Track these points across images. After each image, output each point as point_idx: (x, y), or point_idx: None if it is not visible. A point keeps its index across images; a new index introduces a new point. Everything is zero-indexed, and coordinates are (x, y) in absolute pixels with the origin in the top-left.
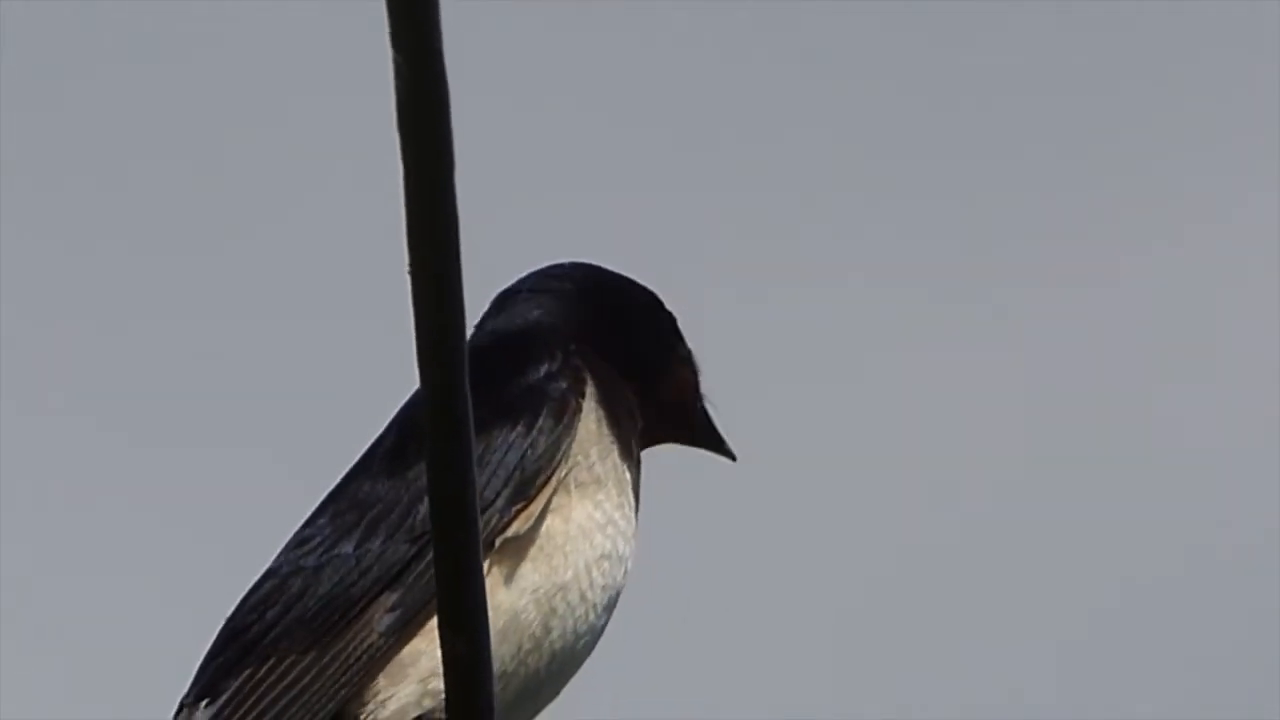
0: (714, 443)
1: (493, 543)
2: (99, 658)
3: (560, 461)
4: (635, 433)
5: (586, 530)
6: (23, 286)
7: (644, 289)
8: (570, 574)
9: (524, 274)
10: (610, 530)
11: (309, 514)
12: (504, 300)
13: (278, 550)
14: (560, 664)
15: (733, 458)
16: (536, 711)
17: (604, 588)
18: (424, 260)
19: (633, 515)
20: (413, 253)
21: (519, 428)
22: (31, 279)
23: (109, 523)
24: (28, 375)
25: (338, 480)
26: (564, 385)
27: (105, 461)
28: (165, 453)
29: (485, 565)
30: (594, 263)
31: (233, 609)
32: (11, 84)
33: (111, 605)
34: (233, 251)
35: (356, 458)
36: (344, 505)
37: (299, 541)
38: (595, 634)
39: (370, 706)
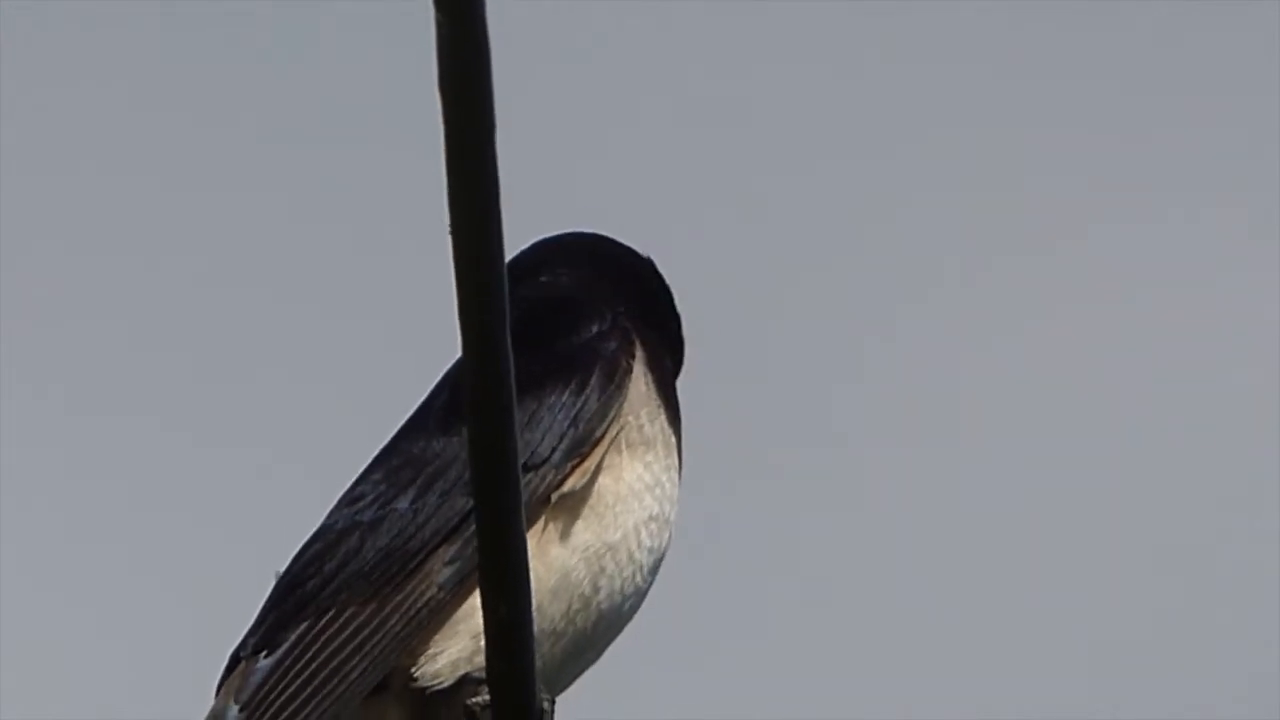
0: None
1: (548, 498)
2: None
3: (613, 420)
4: (676, 395)
5: (637, 491)
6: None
7: (646, 259)
8: (619, 534)
9: (524, 247)
10: (658, 492)
11: (360, 472)
12: (519, 273)
13: (329, 508)
14: (606, 624)
15: None
16: (580, 671)
17: (650, 550)
18: (465, 219)
19: (677, 478)
20: (454, 212)
21: (572, 386)
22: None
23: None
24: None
25: (389, 438)
26: (614, 345)
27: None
28: (214, 416)
29: (541, 520)
30: (594, 232)
31: (288, 563)
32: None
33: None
34: (274, 214)
35: (407, 415)
36: (398, 462)
37: (353, 498)
38: (640, 595)
39: (422, 661)
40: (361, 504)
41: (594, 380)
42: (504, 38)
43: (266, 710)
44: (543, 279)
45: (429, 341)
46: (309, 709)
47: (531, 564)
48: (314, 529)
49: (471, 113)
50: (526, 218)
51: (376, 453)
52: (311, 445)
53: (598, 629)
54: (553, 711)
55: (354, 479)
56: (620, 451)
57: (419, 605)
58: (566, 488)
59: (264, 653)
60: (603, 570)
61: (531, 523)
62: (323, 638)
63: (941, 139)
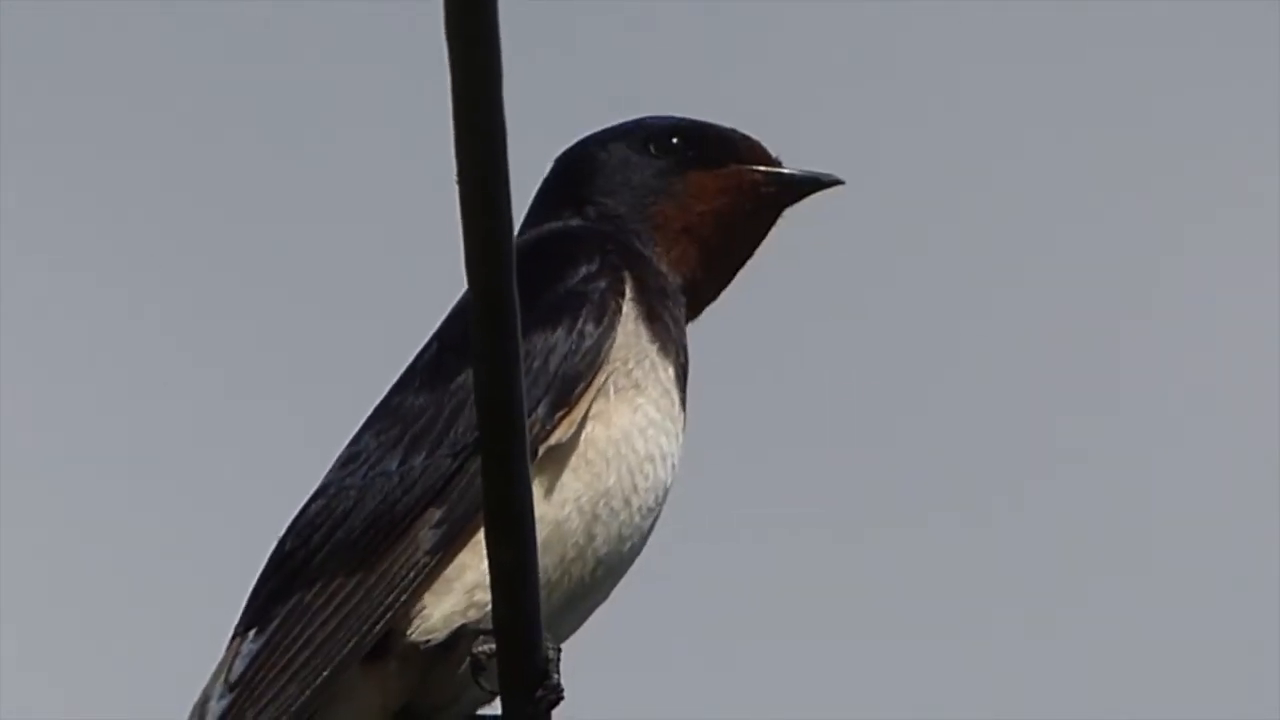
0: (810, 184)
1: (535, 452)
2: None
3: (601, 366)
4: (679, 326)
5: (628, 434)
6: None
7: (658, 121)
8: (613, 479)
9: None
10: (651, 432)
11: (356, 430)
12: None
13: (327, 468)
14: (606, 570)
15: (839, 181)
16: (585, 616)
17: (648, 490)
18: (471, 167)
19: (677, 412)
20: (460, 160)
21: (559, 333)
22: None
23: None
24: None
25: (383, 394)
26: (602, 286)
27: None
28: (222, 371)
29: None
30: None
31: (283, 531)
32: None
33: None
34: (285, 160)
35: (401, 370)
36: (388, 421)
37: (346, 459)
38: (641, 536)
39: (416, 622)
40: (352, 466)
41: (582, 326)
42: None
43: (255, 689)
44: (550, 213)
45: (439, 294)
46: (296, 686)
47: None
48: (311, 492)
49: (478, 57)
50: (535, 166)
51: (372, 409)
52: (315, 405)
53: (596, 575)
54: (558, 659)
55: (351, 436)
56: (608, 397)
57: (405, 571)
58: (553, 440)
59: (255, 630)
60: (597, 518)
61: None
62: (310, 612)
63: None
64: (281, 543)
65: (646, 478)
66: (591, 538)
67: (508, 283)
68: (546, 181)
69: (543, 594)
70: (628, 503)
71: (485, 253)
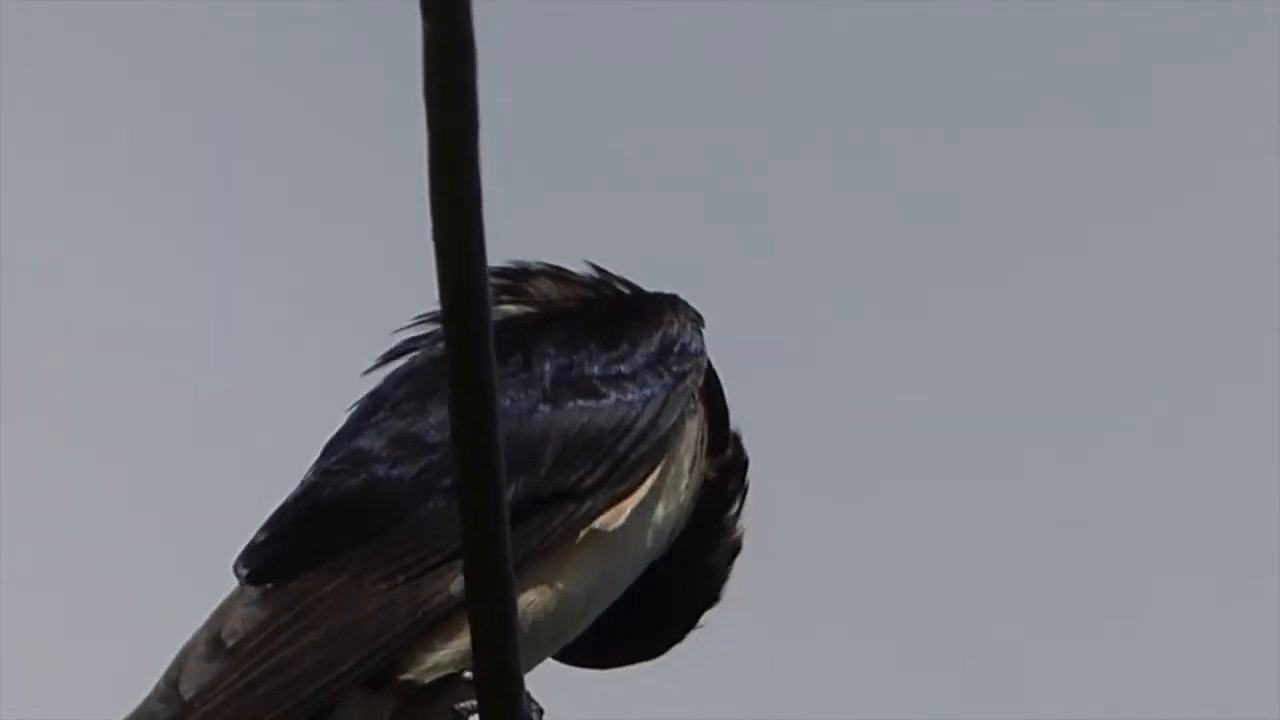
0: None
1: (577, 533)
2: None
3: (664, 456)
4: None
5: (659, 527)
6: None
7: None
8: (629, 568)
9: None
10: (676, 515)
11: (356, 416)
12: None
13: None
14: (589, 622)
15: None
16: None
17: (649, 557)
18: (447, 227)
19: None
20: (436, 219)
21: (634, 412)
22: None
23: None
24: None
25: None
26: (688, 368)
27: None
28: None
29: (561, 553)
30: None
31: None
32: None
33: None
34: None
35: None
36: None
37: (395, 439)
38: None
39: (416, 658)
40: (387, 462)
41: (657, 414)
42: (491, 42)
43: (257, 656)
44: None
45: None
46: (297, 693)
47: (538, 589)
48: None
49: (457, 119)
50: (511, 228)
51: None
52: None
53: (580, 627)
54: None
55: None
56: (658, 493)
57: (429, 607)
58: (598, 524)
59: (265, 586)
60: (605, 596)
61: (551, 554)
62: (324, 604)
63: None
64: (303, 499)
65: (656, 549)
66: (589, 608)
67: (484, 341)
68: None
69: (531, 656)
70: (633, 572)
71: (461, 314)
